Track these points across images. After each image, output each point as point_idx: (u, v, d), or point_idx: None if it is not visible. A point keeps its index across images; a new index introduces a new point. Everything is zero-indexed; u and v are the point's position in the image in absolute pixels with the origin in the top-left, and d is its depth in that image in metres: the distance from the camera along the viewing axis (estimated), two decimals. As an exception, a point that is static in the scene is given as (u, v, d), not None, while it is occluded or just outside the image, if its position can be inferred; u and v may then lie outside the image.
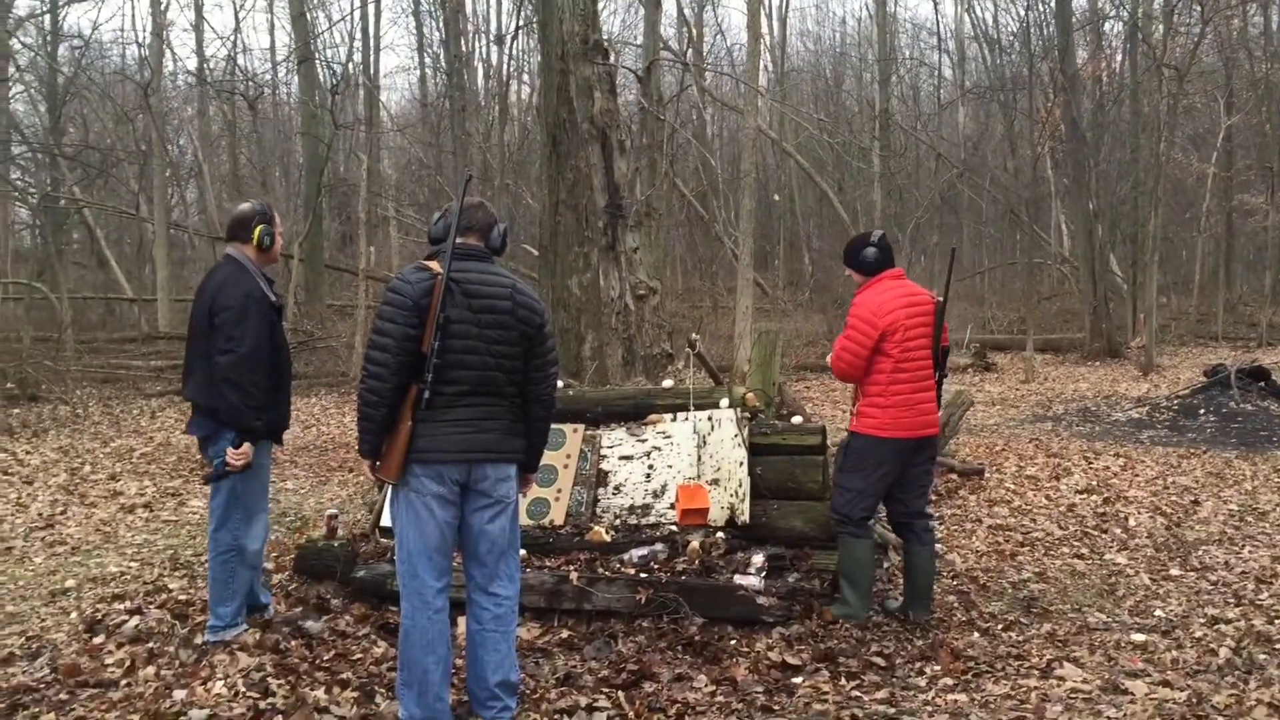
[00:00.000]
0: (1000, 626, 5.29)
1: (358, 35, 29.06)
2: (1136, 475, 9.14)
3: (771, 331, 6.26)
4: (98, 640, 5.02)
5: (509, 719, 4.04)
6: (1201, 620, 5.34)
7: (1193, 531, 7.29)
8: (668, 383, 6.49)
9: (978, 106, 34.42)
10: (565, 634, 5.11)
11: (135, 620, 5.21)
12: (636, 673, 4.55)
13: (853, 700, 4.30)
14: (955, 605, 5.63)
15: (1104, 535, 7.22)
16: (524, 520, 5.72)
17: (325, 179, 22.54)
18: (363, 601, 5.45)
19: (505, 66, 27.33)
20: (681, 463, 5.78)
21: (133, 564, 6.75)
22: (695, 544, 5.30)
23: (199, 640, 4.94)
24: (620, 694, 4.34)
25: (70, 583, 6.29)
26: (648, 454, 5.89)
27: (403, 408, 3.86)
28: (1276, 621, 5.18)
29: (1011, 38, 31.76)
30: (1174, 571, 6.34)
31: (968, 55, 35.77)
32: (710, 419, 5.84)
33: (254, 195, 25.49)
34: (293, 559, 6.01)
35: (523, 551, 5.43)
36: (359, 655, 4.86)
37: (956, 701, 4.22)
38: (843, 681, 4.53)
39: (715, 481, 5.66)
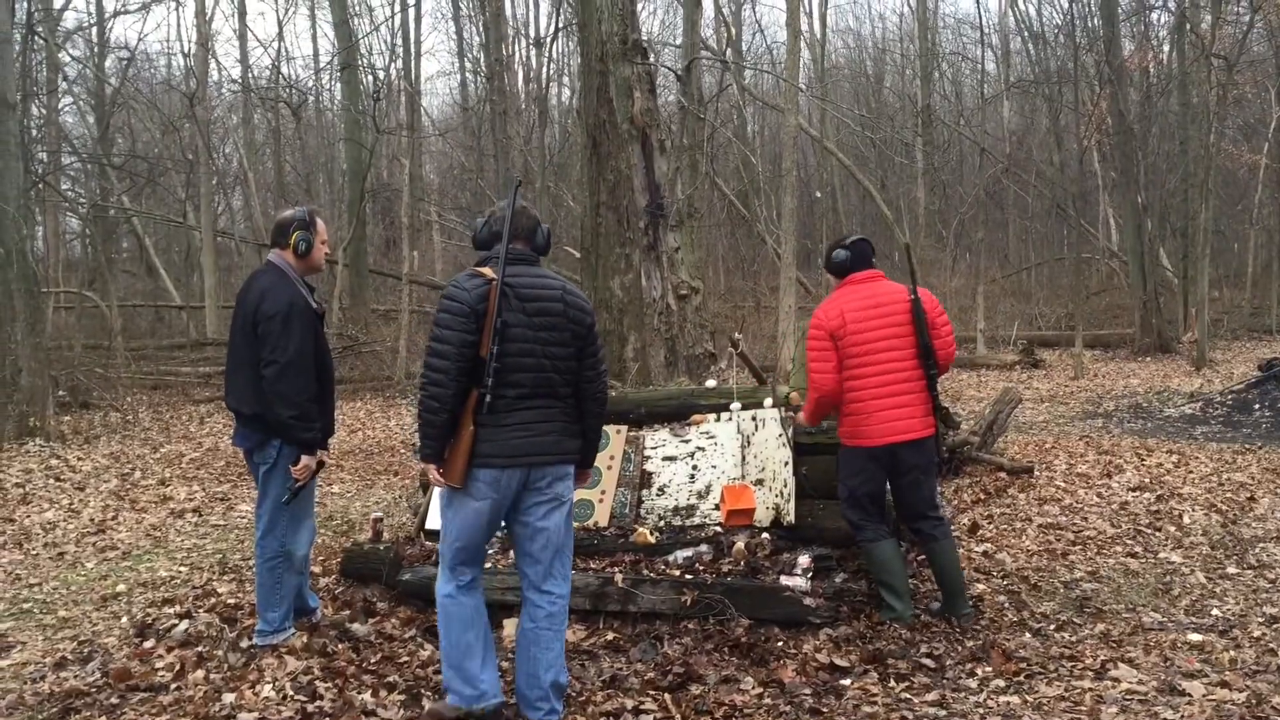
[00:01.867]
0: (1053, 627, 5.20)
1: (399, 41, 29.21)
2: (1190, 472, 8.97)
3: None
4: (148, 644, 5.07)
5: None
6: (1260, 620, 5.23)
7: (1249, 529, 7.13)
8: (711, 383, 6.45)
9: (1022, 101, 34.05)
10: (610, 636, 5.08)
11: (185, 624, 5.25)
12: (683, 675, 4.52)
13: (902, 702, 4.25)
14: (1006, 605, 5.54)
15: (1158, 533, 7.08)
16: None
17: (368, 184, 22.69)
18: (408, 605, 5.46)
19: (545, 69, 27.40)
20: (726, 463, 5.74)
21: (182, 568, 6.81)
22: (740, 545, 5.26)
23: (247, 644, 4.97)
24: (666, 696, 4.31)
25: (121, 587, 6.36)
26: (691, 454, 5.85)
27: (464, 413, 3.92)
28: (1339, 621, 5.04)
29: (1056, 30, 31.42)
30: (1231, 570, 6.21)
31: (1011, 49, 35.36)
32: (754, 418, 5.79)
33: (299, 202, 25.77)
34: (339, 562, 6.04)
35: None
36: (405, 658, 4.87)
37: (1009, 703, 4.15)
38: (892, 683, 4.47)
39: (760, 482, 5.62)
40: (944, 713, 4.12)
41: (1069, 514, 7.60)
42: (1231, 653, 4.72)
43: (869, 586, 5.29)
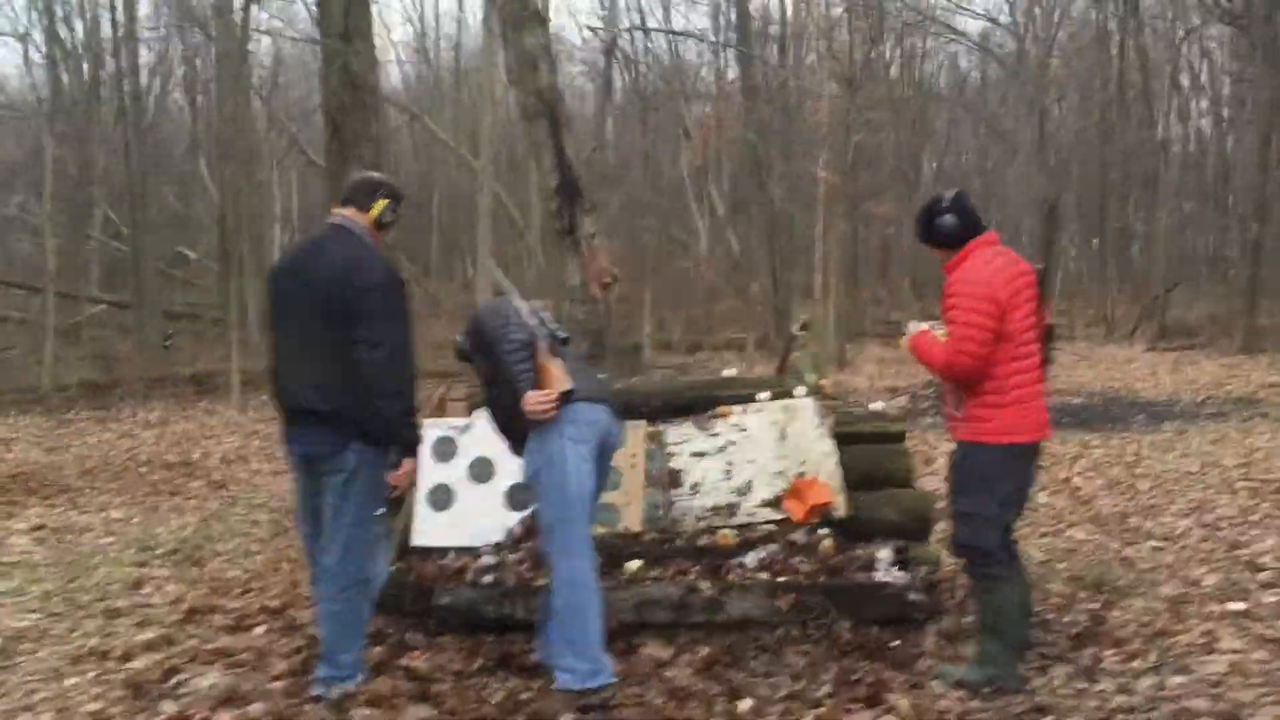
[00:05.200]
0: (1099, 606, 5.14)
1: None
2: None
3: (816, 315, 5.97)
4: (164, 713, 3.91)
5: None
6: (1254, 586, 5.52)
7: (1108, 506, 7.57)
8: (729, 371, 6.04)
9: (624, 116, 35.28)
10: (704, 651, 4.58)
11: (212, 677, 4.14)
12: (874, 685, 4.14)
13: (1081, 691, 4.14)
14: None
15: (1036, 514, 7.33)
16: (597, 529, 5.14)
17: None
18: (453, 633, 4.64)
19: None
20: (763, 456, 5.34)
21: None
22: (828, 543, 4.92)
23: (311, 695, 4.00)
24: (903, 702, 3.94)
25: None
26: (722, 449, 5.39)
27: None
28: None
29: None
30: (1152, 544, 6.38)
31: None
32: (786, 409, 5.45)
33: None
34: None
35: (637, 562, 4.88)
36: (501, 695, 4.12)
37: (1178, 683, 4.13)
38: (1050, 674, 4.33)
39: (801, 475, 5.30)
40: (1127, 698, 4.06)
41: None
42: (1290, 619, 4.95)
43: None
